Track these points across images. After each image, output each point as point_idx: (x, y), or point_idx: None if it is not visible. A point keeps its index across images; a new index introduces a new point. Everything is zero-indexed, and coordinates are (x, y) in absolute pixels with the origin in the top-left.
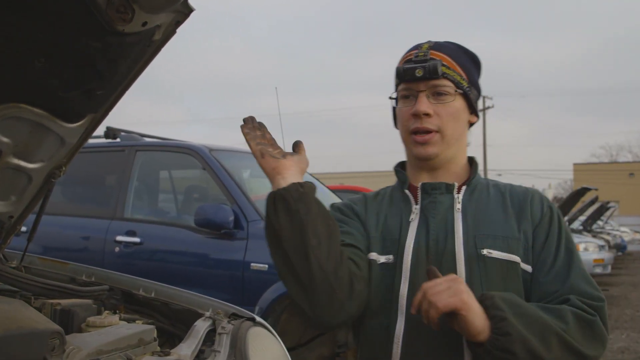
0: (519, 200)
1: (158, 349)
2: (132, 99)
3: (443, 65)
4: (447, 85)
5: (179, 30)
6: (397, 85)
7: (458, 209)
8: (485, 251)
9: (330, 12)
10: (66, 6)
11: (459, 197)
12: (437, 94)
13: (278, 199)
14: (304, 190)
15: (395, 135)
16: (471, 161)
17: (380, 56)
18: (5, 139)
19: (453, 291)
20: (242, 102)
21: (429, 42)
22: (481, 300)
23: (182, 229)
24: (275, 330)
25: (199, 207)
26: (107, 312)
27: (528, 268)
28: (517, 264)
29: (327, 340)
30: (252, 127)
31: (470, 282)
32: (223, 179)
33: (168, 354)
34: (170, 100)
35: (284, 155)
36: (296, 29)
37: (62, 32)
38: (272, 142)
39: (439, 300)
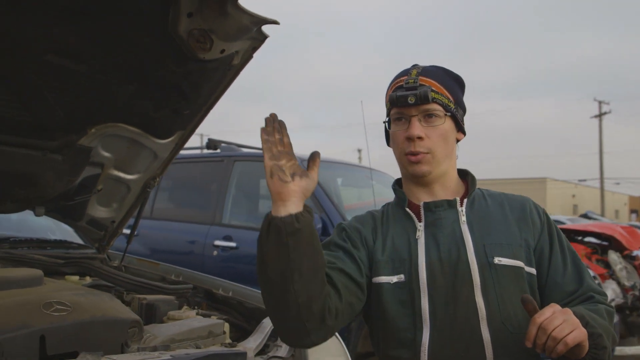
0: (517, 208)
1: (228, 341)
2: (250, 107)
3: (432, 90)
4: (437, 109)
5: (309, 38)
6: (389, 110)
7: (464, 221)
8: (496, 259)
9: (442, 17)
10: (153, 38)
11: (462, 210)
12: (428, 116)
13: (272, 227)
14: (298, 226)
15: (493, 143)
16: (466, 174)
17: (478, 63)
18: (107, 154)
19: (572, 324)
20: (356, 109)
21: (416, 67)
22: None
23: None
24: (360, 334)
25: None
26: (186, 307)
27: (532, 271)
28: (521, 268)
29: None
30: (271, 130)
31: (484, 288)
32: None
33: (234, 346)
34: (286, 108)
35: (294, 174)
36: (409, 35)
37: (150, 60)
38: (289, 150)
39: (567, 336)
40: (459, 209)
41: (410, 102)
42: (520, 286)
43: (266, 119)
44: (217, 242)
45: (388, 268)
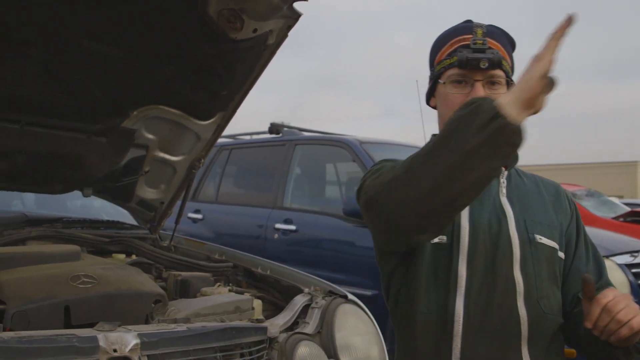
0: (552, 191)
1: (257, 317)
2: (328, 95)
3: (502, 57)
4: (501, 76)
5: (381, 26)
6: (445, 68)
7: (504, 193)
8: (537, 237)
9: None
10: (185, 20)
11: (503, 182)
12: (491, 83)
13: (502, 125)
14: (519, 143)
15: (584, 126)
16: None
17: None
18: (150, 136)
19: (634, 309)
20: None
21: (480, 26)
22: None
23: (333, 218)
24: None
25: (347, 197)
26: (219, 284)
27: (562, 255)
28: (556, 250)
29: None
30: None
31: (524, 264)
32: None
33: (261, 321)
34: (364, 96)
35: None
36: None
37: (183, 42)
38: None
39: (632, 320)
40: (501, 180)
41: (482, 66)
42: (553, 268)
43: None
44: (278, 225)
45: None
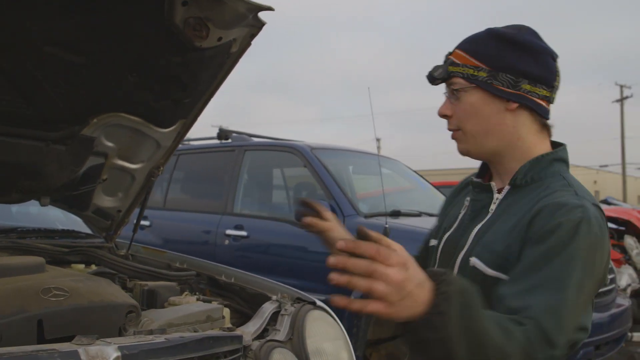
0: (537, 215)
1: (227, 325)
2: (269, 100)
3: (452, 64)
4: (456, 82)
5: (324, 30)
6: None
7: (491, 209)
8: (472, 259)
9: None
10: (150, 29)
11: (496, 198)
12: (455, 91)
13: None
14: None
15: None
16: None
17: None
18: (110, 144)
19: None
20: (374, 99)
21: (462, 41)
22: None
23: (283, 223)
24: (371, 321)
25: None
26: (186, 293)
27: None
28: (486, 275)
29: None
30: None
31: None
32: (322, 175)
33: (232, 330)
34: (305, 100)
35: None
36: (428, 22)
37: (148, 51)
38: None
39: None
40: (496, 195)
41: (434, 84)
42: (484, 293)
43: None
44: (229, 232)
45: (435, 232)
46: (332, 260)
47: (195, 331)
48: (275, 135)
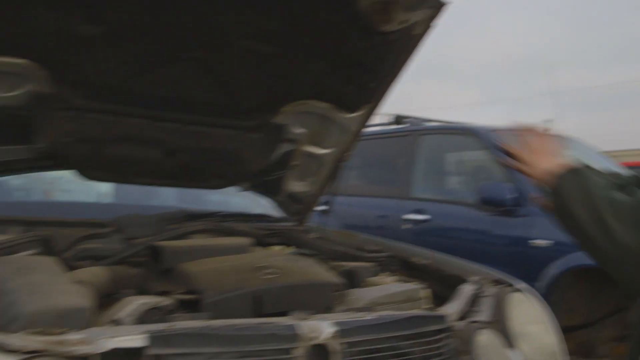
0: None
1: (427, 306)
2: (426, 85)
3: None
4: None
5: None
6: None
7: None
8: None
9: None
10: (337, 16)
11: None
12: None
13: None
14: None
15: None
16: None
17: None
18: (300, 130)
19: None
20: (537, 79)
21: None
22: None
23: (465, 207)
24: (561, 307)
25: (480, 186)
26: (384, 274)
27: None
28: None
29: (618, 320)
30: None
31: None
32: (502, 158)
33: (433, 311)
34: (467, 83)
35: None
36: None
37: (335, 37)
38: None
39: None
40: None
41: None
42: None
43: None
44: (407, 216)
45: None
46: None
47: (399, 310)
48: (440, 119)
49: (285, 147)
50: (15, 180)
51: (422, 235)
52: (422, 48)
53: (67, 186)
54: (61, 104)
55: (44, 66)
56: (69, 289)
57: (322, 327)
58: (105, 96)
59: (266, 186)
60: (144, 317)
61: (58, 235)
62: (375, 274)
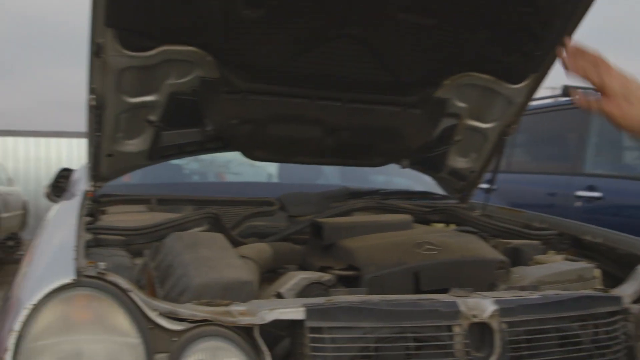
0: None
1: (599, 286)
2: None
3: None
4: None
5: None
6: None
7: None
8: None
9: None
10: None
11: None
12: None
13: None
14: None
15: None
16: None
17: None
18: (462, 104)
19: None
20: None
21: None
22: None
23: None
24: None
25: None
26: (552, 252)
27: None
28: None
29: None
30: None
31: None
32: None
33: (607, 292)
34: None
35: None
36: None
37: (497, 3)
38: None
39: None
40: None
41: None
42: None
43: None
44: (580, 193)
45: None
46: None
47: (567, 290)
48: None
49: (447, 122)
50: (191, 164)
51: (595, 213)
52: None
53: (237, 169)
54: (226, 87)
55: (209, 52)
56: (235, 264)
57: (484, 305)
58: (267, 78)
59: (428, 163)
60: (305, 292)
61: (226, 213)
62: (543, 252)
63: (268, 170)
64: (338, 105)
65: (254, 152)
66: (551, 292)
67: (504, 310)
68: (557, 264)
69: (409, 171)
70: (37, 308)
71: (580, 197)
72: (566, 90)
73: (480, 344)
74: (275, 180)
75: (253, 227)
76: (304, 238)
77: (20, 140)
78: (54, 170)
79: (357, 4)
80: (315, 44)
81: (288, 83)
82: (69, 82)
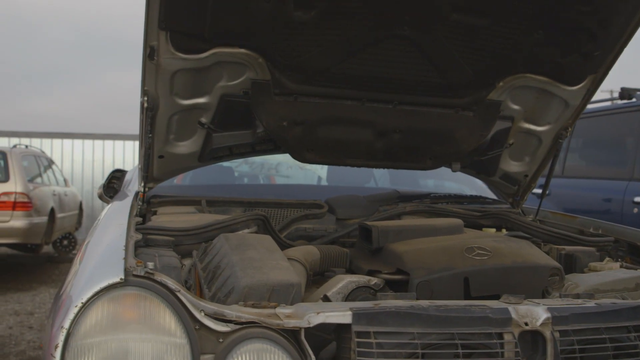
0: None
1: None
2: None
3: None
4: None
5: None
6: None
7: None
8: None
9: None
10: None
11: None
12: None
13: None
14: None
15: None
16: None
17: None
18: (516, 106)
19: None
20: None
21: None
22: None
23: None
24: None
25: None
26: (608, 259)
27: None
28: None
29: None
30: None
31: None
32: None
33: None
34: None
35: None
36: None
37: (553, 2)
38: None
39: None
40: None
41: None
42: None
43: None
44: (638, 199)
45: None
46: None
47: (624, 299)
48: None
49: (500, 125)
50: (242, 167)
51: None
52: None
53: (287, 171)
54: (277, 89)
55: (261, 54)
56: (281, 266)
57: (537, 313)
58: (317, 80)
59: (480, 166)
60: (352, 295)
61: (275, 216)
62: (599, 259)
63: (317, 173)
64: (389, 107)
65: (304, 154)
66: (607, 301)
67: (557, 318)
68: (613, 271)
69: (460, 175)
70: (85, 306)
71: (638, 204)
72: (625, 92)
73: (531, 353)
74: (324, 183)
75: (301, 230)
76: (352, 241)
77: (77, 142)
78: (108, 172)
79: (408, 4)
80: (365, 46)
81: (339, 85)
82: (124, 86)
